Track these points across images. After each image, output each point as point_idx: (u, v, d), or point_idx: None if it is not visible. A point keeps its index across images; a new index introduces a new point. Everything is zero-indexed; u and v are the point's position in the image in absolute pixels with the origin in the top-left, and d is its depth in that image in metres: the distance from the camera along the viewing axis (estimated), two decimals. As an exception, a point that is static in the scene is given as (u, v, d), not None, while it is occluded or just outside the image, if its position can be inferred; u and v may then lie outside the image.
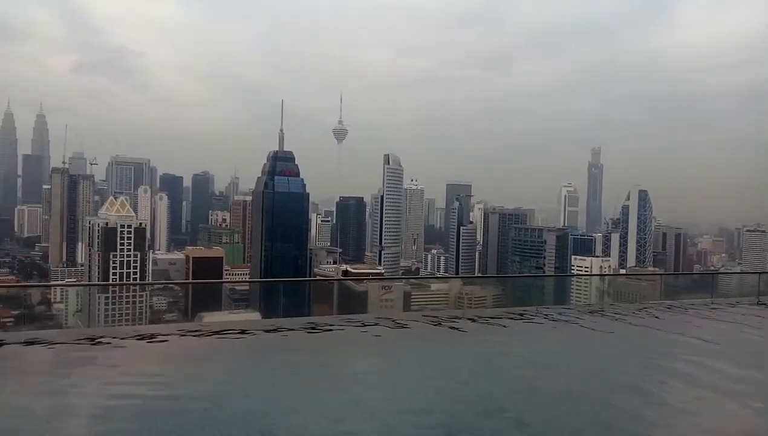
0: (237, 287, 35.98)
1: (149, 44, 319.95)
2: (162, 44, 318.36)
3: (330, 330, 10.75)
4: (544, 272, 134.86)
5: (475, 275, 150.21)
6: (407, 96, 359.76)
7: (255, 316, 17.96)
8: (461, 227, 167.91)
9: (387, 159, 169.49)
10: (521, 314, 13.11)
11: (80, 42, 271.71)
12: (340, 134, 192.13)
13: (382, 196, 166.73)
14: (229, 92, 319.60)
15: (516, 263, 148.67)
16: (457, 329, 11.18)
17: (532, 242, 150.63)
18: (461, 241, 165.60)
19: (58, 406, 6.32)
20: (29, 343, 8.70)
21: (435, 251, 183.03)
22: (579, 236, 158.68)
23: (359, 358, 9.11)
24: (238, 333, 10.24)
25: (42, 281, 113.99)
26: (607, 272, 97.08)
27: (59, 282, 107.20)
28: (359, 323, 11.43)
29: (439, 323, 11.95)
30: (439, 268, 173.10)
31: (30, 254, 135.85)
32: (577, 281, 32.38)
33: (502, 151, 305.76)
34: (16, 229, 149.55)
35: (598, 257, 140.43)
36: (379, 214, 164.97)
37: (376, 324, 11.17)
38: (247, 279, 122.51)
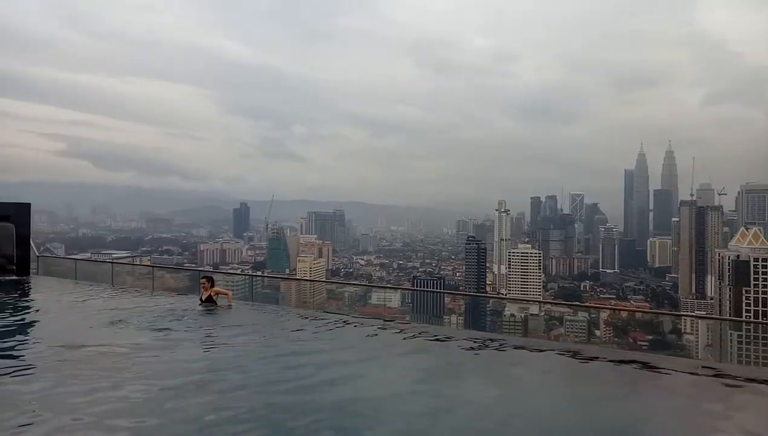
0: None
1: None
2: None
3: None
4: None
5: None
6: None
7: None
8: None
9: None
10: None
11: (712, 74, 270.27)
12: None
13: None
14: None
15: None
16: None
17: None
18: None
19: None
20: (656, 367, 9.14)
21: None
22: None
23: None
24: None
25: (672, 310, 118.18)
26: None
27: (689, 313, 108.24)
28: None
29: None
30: None
31: (661, 284, 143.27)
32: None
33: None
34: (648, 259, 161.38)
35: None
36: None
37: None
38: None
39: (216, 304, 12.34)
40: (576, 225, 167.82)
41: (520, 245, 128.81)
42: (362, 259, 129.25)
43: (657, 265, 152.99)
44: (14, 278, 16.66)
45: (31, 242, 19.10)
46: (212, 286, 12.64)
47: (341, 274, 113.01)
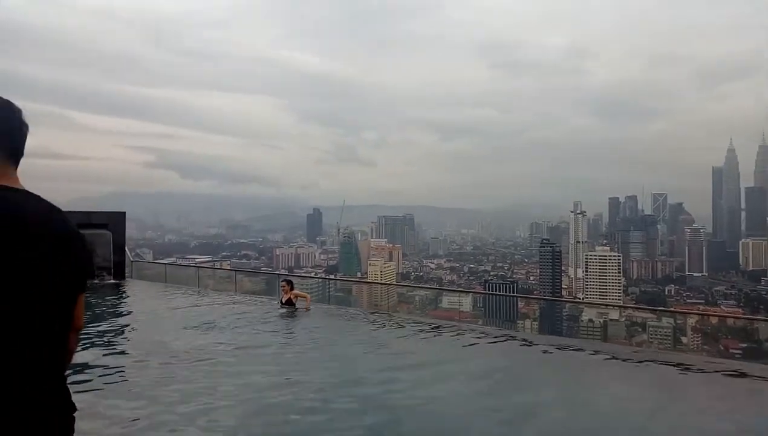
0: None
1: None
2: None
3: None
4: None
5: None
6: None
7: None
8: None
9: None
10: None
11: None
12: None
13: None
14: None
15: None
16: None
17: None
18: None
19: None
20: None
21: None
22: None
23: None
24: None
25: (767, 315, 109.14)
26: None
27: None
28: None
29: None
30: None
31: (756, 288, 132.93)
32: None
33: None
34: (741, 261, 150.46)
35: None
36: None
37: None
38: None
39: (295, 306, 12.83)
40: (659, 226, 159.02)
41: (597, 248, 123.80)
42: (432, 262, 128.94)
43: (751, 268, 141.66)
44: (112, 281, 18.04)
45: (126, 249, 20.62)
46: (292, 289, 13.16)
47: (411, 277, 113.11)
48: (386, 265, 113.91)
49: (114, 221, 19.84)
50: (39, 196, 1.81)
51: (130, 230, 22.18)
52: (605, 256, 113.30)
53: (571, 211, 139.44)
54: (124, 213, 21.13)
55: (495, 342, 10.44)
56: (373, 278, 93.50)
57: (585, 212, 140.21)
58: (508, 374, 8.25)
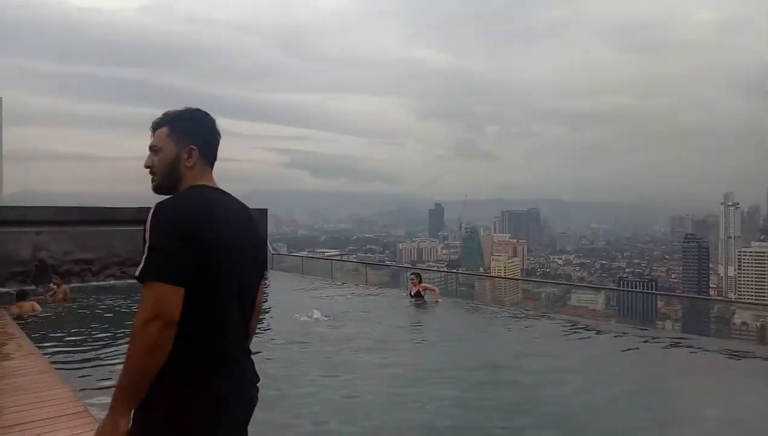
0: None
1: None
2: None
3: None
4: None
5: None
6: None
7: None
8: None
9: None
10: None
11: None
12: None
13: None
14: None
15: None
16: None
17: None
18: None
19: None
20: None
21: None
22: None
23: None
24: None
25: None
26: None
27: None
28: None
29: None
30: None
31: None
32: None
33: None
34: None
35: None
36: None
37: None
38: None
39: (424, 299, 13.27)
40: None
41: (753, 244, 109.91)
42: (560, 258, 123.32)
43: None
44: (258, 272, 19.76)
45: (269, 243, 22.54)
46: (420, 282, 13.62)
47: (537, 273, 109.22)
48: (510, 260, 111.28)
49: (258, 218, 21.67)
50: (231, 195, 2.22)
51: (269, 226, 23.99)
52: (763, 253, 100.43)
53: (721, 204, 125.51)
54: (266, 210, 23.00)
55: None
56: (497, 273, 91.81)
57: (738, 204, 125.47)
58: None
